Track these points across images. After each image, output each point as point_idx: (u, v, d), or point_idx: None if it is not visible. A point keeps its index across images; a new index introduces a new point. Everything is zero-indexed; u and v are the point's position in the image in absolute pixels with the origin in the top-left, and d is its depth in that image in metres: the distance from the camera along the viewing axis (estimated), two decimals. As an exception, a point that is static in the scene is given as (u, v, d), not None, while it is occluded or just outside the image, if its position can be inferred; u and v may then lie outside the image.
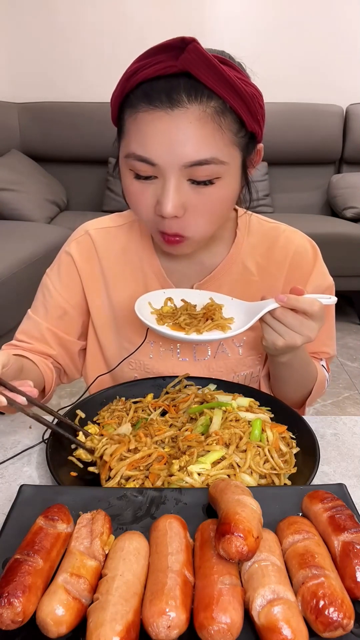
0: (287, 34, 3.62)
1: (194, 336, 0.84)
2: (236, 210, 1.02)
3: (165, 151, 0.75)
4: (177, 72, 0.73)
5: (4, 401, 0.70)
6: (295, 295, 0.79)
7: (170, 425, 0.85)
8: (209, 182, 0.78)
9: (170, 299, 0.92)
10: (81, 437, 0.84)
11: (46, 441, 0.80)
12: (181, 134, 0.74)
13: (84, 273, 1.01)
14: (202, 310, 0.89)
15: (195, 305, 0.92)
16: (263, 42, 3.57)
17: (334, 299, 0.85)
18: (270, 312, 0.80)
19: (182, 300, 0.92)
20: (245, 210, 1.01)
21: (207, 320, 0.87)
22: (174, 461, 0.74)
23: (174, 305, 0.92)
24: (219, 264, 0.99)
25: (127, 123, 0.79)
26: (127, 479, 0.75)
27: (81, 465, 0.79)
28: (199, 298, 0.92)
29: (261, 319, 0.82)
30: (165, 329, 0.85)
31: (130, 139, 0.78)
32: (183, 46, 0.71)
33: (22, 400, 0.73)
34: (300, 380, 0.98)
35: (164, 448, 0.80)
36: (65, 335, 1.04)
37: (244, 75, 0.79)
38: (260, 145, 0.86)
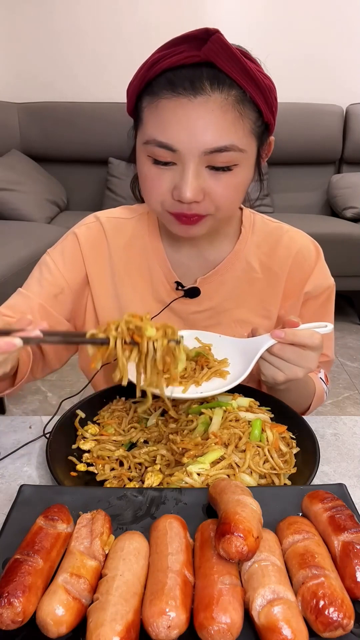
0: (287, 34, 3.61)
1: (195, 394, 0.78)
2: (241, 209, 1.03)
3: (186, 138, 0.76)
4: (200, 62, 0.76)
5: (20, 342, 0.64)
6: (291, 327, 0.79)
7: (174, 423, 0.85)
8: (227, 169, 0.79)
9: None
10: (82, 432, 0.84)
11: (47, 436, 0.80)
12: (203, 121, 0.76)
13: (89, 259, 1.01)
14: (193, 355, 0.84)
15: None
16: (263, 42, 3.54)
17: (330, 327, 0.83)
18: (269, 349, 0.79)
19: None
20: (250, 209, 1.02)
21: (202, 368, 0.83)
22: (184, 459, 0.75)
23: None
24: (222, 259, 1.00)
25: (146, 110, 0.80)
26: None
27: (79, 464, 0.79)
28: (186, 339, 0.81)
29: (260, 358, 0.80)
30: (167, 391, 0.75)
31: (150, 126, 0.79)
32: (206, 37, 0.73)
33: (37, 334, 0.66)
34: (299, 400, 0.98)
35: (158, 450, 0.80)
36: (56, 314, 1.00)
37: (261, 68, 0.82)
38: (272, 138, 0.89)
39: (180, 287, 0.98)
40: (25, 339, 0.64)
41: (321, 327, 0.80)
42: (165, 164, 0.80)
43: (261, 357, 0.80)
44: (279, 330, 0.78)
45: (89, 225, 1.03)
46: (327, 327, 0.82)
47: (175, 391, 0.78)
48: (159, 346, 0.68)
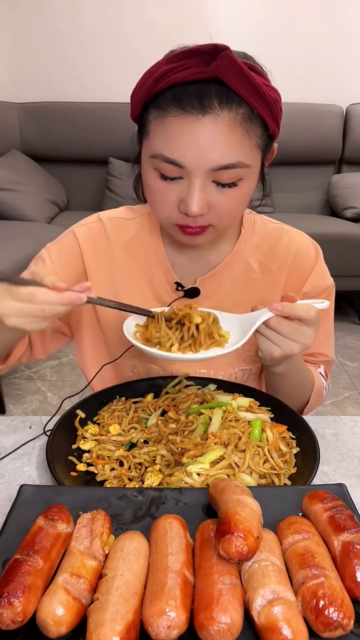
0: (287, 34, 3.62)
1: (190, 355, 0.80)
2: None
3: (194, 155, 0.76)
4: (209, 78, 0.75)
5: (85, 299, 0.73)
6: (289, 302, 0.79)
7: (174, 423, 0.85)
8: (232, 184, 0.80)
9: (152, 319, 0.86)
10: (84, 430, 0.84)
11: (47, 433, 0.80)
12: (211, 140, 0.76)
13: (89, 258, 1.01)
14: (199, 326, 0.84)
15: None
16: (263, 42, 3.56)
17: (327, 303, 0.84)
18: (265, 322, 0.80)
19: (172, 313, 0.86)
20: (250, 210, 1.02)
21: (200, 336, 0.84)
22: (184, 459, 0.75)
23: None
24: (222, 260, 1.00)
25: (153, 124, 0.80)
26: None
27: (79, 464, 0.79)
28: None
29: (257, 330, 0.81)
30: (163, 352, 0.79)
31: (158, 141, 0.79)
32: (215, 53, 0.72)
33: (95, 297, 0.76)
34: (297, 390, 0.99)
35: (158, 450, 0.80)
36: None
37: (267, 80, 0.82)
38: (275, 144, 0.89)
39: (180, 288, 0.99)
40: (90, 299, 0.74)
41: (318, 303, 0.81)
42: (172, 178, 0.80)
43: (259, 332, 0.81)
44: (276, 303, 0.79)
45: (90, 225, 1.03)
46: (323, 303, 0.83)
47: (174, 355, 0.79)
48: (202, 328, 0.82)
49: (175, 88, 0.76)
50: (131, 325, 0.85)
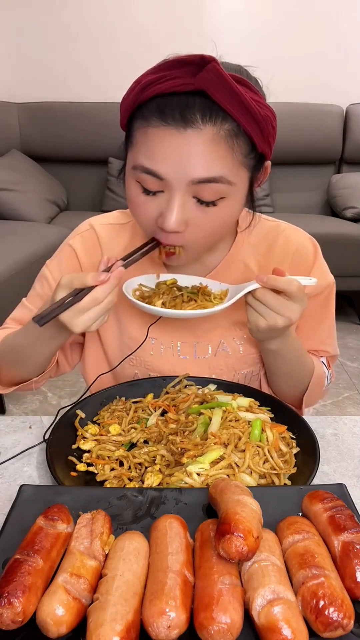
0: (287, 34, 3.61)
1: (178, 311, 0.85)
2: None
3: (174, 167, 0.75)
4: (193, 90, 0.73)
5: (124, 269, 0.79)
6: (275, 276, 0.81)
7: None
8: (212, 204, 0.78)
9: (160, 282, 0.93)
10: (85, 430, 0.84)
11: (47, 441, 0.80)
12: (192, 153, 0.74)
13: (86, 267, 1.01)
14: (189, 290, 0.91)
15: (187, 287, 0.92)
16: (263, 42, 3.56)
17: (313, 280, 0.85)
18: (252, 293, 0.82)
19: (165, 282, 0.93)
20: (246, 209, 1.01)
21: (190, 301, 0.89)
22: (184, 458, 0.75)
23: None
24: (219, 262, 0.99)
25: (137, 134, 0.79)
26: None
27: (79, 464, 0.79)
28: (189, 282, 0.94)
29: (246, 301, 0.83)
30: (148, 306, 0.84)
31: (139, 151, 0.78)
32: (202, 64, 0.70)
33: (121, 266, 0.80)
34: (294, 372, 0.98)
35: (159, 450, 0.80)
36: None
37: (259, 96, 0.79)
38: (268, 163, 0.86)
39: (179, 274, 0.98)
40: (124, 265, 0.79)
41: (304, 279, 0.83)
42: (154, 193, 0.79)
43: (247, 303, 0.83)
44: (263, 274, 0.80)
45: (83, 234, 1.03)
46: (310, 280, 0.84)
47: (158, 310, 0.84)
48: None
49: (159, 98, 0.74)
50: (134, 283, 0.91)
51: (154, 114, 0.75)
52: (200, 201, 0.78)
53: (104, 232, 1.02)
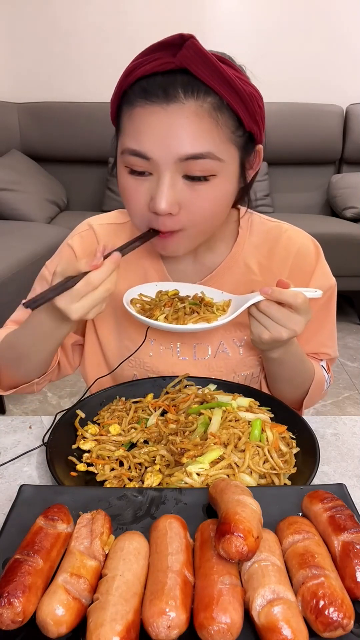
0: (287, 34, 3.62)
1: (180, 326, 0.84)
2: (238, 210, 1.02)
3: (159, 145, 0.75)
4: (175, 69, 0.74)
5: (117, 253, 0.76)
6: (281, 288, 0.80)
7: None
8: (203, 179, 0.77)
9: (161, 292, 0.93)
10: (85, 430, 0.84)
11: (46, 444, 0.80)
12: (176, 128, 0.74)
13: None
14: (191, 301, 0.89)
15: (188, 296, 0.92)
16: (263, 42, 3.57)
17: (319, 292, 0.84)
18: (256, 305, 0.81)
19: (166, 293, 0.92)
20: (247, 209, 1.01)
21: (192, 312, 0.87)
22: (184, 459, 0.75)
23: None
24: (220, 263, 0.99)
25: (124, 120, 0.79)
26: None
27: (79, 464, 0.79)
28: (190, 291, 0.93)
29: (249, 313, 0.82)
30: (151, 321, 0.84)
31: (126, 135, 0.78)
32: (181, 43, 0.72)
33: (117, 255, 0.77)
34: (295, 378, 0.98)
35: (159, 450, 0.80)
36: None
37: (243, 75, 0.79)
38: (260, 147, 0.86)
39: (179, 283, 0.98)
40: (121, 253, 0.77)
41: (310, 292, 0.82)
42: (141, 173, 0.78)
43: (250, 315, 0.82)
44: (267, 287, 0.79)
45: (82, 234, 1.02)
46: (316, 292, 0.83)
47: (160, 323, 0.83)
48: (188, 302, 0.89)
49: (142, 80, 0.76)
50: (134, 293, 0.90)
51: (138, 96, 0.76)
52: (190, 178, 0.77)
53: (102, 231, 1.02)
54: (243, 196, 0.91)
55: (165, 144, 0.75)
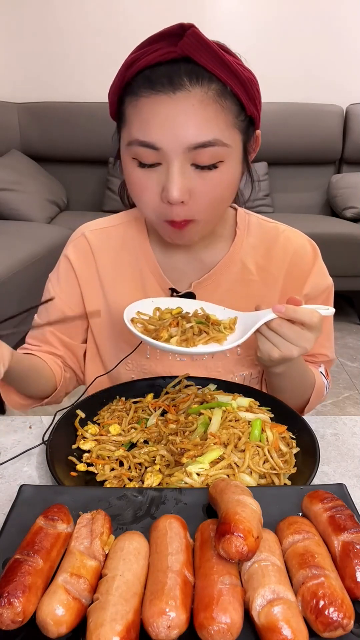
0: (287, 33, 3.62)
1: (186, 348, 0.80)
2: (235, 209, 1.02)
3: (168, 134, 0.75)
4: (177, 58, 0.75)
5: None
6: (293, 305, 0.78)
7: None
8: (212, 167, 0.78)
9: (158, 308, 0.89)
10: (85, 430, 0.84)
11: (46, 442, 0.80)
12: (184, 117, 0.75)
13: (81, 275, 1.02)
14: (198, 320, 0.86)
15: (188, 313, 0.88)
16: (263, 42, 3.57)
17: (332, 310, 0.83)
18: (267, 323, 0.79)
19: (170, 311, 0.88)
20: (244, 210, 1.01)
21: (200, 333, 0.84)
22: (184, 459, 0.75)
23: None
24: (218, 262, 0.99)
25: (127, 111, 0.79)
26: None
27: (79, 464, 0.79)
28: (189, 307, 0.89)
29: (258, 330, 0.80)
30: (162, 344, 0.79)
31: (132, 126, 0.78)
32: (182, 32, 0.73)
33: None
34: (297, 389, 0.98)
35: (159, 450, 0.80)
36: (68, 339, 1.05)
37: (240, 61, 0.81)
38: (258, 132, 0.87)
39: (175, 294, 0.98)
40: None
41: (322, 309, 0.80)
42: (150, 165, 0.78)
43: (259, 332, 0.80)
44: (280, 305, 0.78)
45: (76, 243, 1.03)
46: (328, 310, 0.81)
47: (172, 347, 0.79)
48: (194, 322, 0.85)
49: (146, 71, 0.76)
50: (132, 312, 0.85)
51: (142, 86, 0.76)
52: (200, 167, 0.77)
53: (94, 237, 1.02)
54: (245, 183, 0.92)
55: (174, 133, 0.75)
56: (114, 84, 0.81)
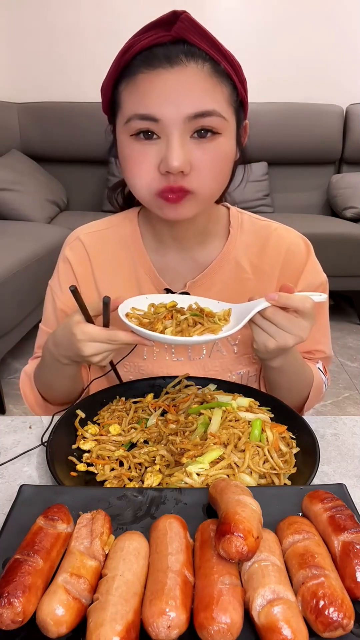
0: (287, 33, 3.62)
1: (186, 338, 0.80)
2: (228, 208, 1.02)
3: (167, 105, 0.76)
4: (172, 40, 0.78)
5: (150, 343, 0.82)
6: (286, 293, 0.78)
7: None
8: (211, 133, 0.79)
9: (153, 304, 0.89)
10: (86, 429, 0.84)
11: (45, 444, 0.80)
12: (182, 88, 0.77)
13: (80, 277, 1.02)
14: (192, 312, 0.86)
15: (182, 307, 0.88)
16: (263, 42, 3.57)
17: (324, 296, 0.83)
18: (260, 312, 0.78)
19: (164, 305, 0.88)
20: (237, 208, 1.01)
21: (195, 324, 0.84)
22: (184, 459, 0.75)
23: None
24: (212, 260, 0.99)
25: (124, 92, 0.80)
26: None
27: (79, 464, 0.79)
28: (184, 302, 0.89)
29: (250, 321, 0.80)
30: (156, 334, 0.79)
31: (130, 103, 0.79)
32: (174, 19, 0.76)
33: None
34: (295, 386, 0.98)
35: (159, 450, 0.80)
36: None
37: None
38: (247, 122, 0.89)
39: (170, 294, 0.98)
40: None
41: (315, 296, 0.80)
42: (149, 137, 0.79)
43: (254, 323, 0.80)
44: (273, 293, 0.77)
45: (72, 246, 1.03)
46: (321, 296, 0.82)
47: (166, 337, 0.79)
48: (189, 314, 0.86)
49: (143, 52, 0.79)
50: (127, 307, 0.86)
51: (140, 65, 0.78)
52: (199, 135, 0.78)
53: (89, 241, 1.02)
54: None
55: (173, 103, 0.76)
56: (110, 71, 0.82)
